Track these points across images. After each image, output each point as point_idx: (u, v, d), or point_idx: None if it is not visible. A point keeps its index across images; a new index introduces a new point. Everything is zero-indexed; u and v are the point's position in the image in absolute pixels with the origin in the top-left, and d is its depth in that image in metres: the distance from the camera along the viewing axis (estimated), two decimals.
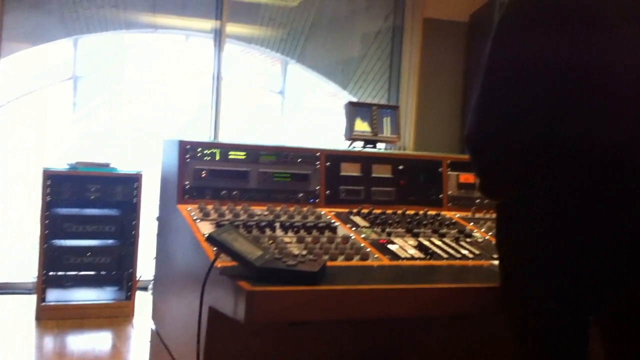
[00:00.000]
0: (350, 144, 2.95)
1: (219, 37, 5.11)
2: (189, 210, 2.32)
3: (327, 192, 2.59)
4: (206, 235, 1.86)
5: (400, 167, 2.73)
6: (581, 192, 1.64)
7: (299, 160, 2.57)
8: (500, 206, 1.83)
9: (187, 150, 2.42)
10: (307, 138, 6.14)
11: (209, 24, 5.23)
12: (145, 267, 4.43)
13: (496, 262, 1.89)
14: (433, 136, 5.10)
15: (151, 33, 5.70)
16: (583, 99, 1.63)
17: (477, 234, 2.49)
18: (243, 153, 2.49)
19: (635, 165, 1.62)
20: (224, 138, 4.97)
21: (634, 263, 1.69)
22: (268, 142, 2.59)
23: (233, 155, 2.48)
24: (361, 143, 2.95)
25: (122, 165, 4.34)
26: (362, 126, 2.94)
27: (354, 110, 2.93)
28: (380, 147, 3.29)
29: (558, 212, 1.66)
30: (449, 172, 2.81)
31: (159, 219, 2.79)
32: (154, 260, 2.86)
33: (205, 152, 2.44)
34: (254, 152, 2.51)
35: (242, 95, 6.28)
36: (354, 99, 5.89)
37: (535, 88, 1.65)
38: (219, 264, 1.86)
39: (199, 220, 2.24)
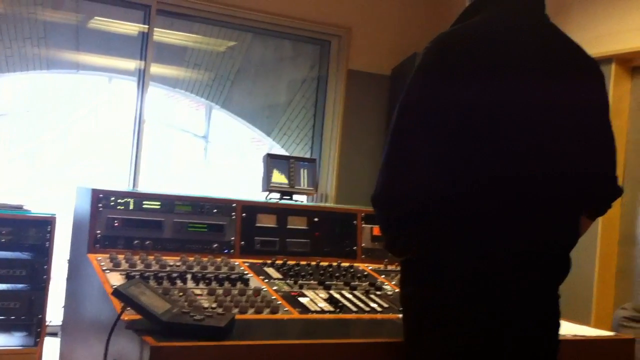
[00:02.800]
0: (267, 196, 2.98)
1: (142, 78, 5.08)
2: (99, 260, 2.29)
3: (242, 243, 2.61)
4: (113, 288, 1.84)
5: (316, 219, 2.77)
6: (481, 244, 1.71)
7: (214, 211, 2.58)
8: (405, 262, 1.88)
9: (100, 199, 2.40)
10: (231, 184, 6.13)
11: (133, 65, 5.21)
12: (57, 312, 4.29)
13: (402, 316, 1.94)
14: (355, 187, 5.18)
15: (73, 74, 5.63)
16: (485, 143, 1.71)
17: (388, 287, 2.55)
18: (158, 203, 2.49)
19: (540, 216, 1.72)
20: (144, 183, 4.90)
21: (538, 316, 1.79)
22: (190, 188, 2.60)
23: (147, 204, 2.47)
24: (278, 195, 2.99)
25: (37, 207, 4.23)
26: (279, 178, 2.99)
27: (272, 162, 2.98)
28: (302, 199, 3.32)
29: (460, 267, 1.73)
30: (364, 225, 2.87)
31: (69, 262, 2.74)
32: (63, 307, 2.80)
33: (118, 201, 2.43)
34: (169, 202, 2.51)
35: (165, 139, 6.24)
36: (278, 146, 5.95)
37: (439, 132, 1.71)
38: (126, 317, 1.84)
39: (108, 271, 2.21)
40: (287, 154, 5.72)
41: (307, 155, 5.59)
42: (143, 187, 4.81)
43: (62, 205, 4.18)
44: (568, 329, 2.26)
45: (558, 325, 1.88)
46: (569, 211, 1.84)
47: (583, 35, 3.78)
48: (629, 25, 3.60)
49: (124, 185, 4.78)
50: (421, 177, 1.75)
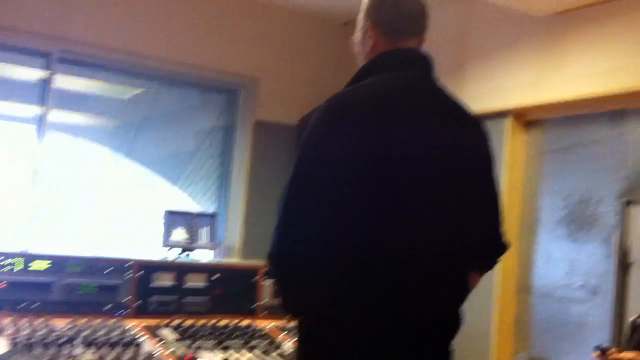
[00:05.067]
0: (168, 251, 2.91)
1: (41, 126, 4.89)
2: None
3: (138, 303, 2.52)
4: None
5: (215, 277, 2.72)
6: (374, 305, 1.71)
7: (108, 270, 2.49)
8: (302, 322, 1.86)
9: None
10: (134, 237, 5.95)
11: (32, 111, 5.02)
12: None
13: None
14: (262, 239, 5.07)
15: None
16: (376, 202, 1.71)
17: (287, 345, 2.51)
18: (47, 263, 2.38)
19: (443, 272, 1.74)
20: (39, 240, 4.67)
21: None
22: (80, 247, 2.50)
23: (35, 265, 2.36)
24: (179, 250, 2.92)
25: None
26: (179, 234, 2.93)
27: (172, 218, 2.92)
28: (206, 254, 3.24)
29: (351, 329, 1.72)
30: (264, 281, 2.84)
31: None
32: None
33: (4, 262, 2.31)
34: (59, 262, 2.40)
35: (65, 191, 6.03)
36: (185, 194, 5.84)
37: (333, 188, 1.71)
38: None
39: None
40: (193, 202, 5.63)
41: (214, 205, 5.52)
42: (37, 246, 4.58)
43: None
44: None
45: None
46: (456, 269, 1.86)
47: (480, 91, 3.93)
48: (523, 82, 3.76)
49: (14, 244, 4.54)
50: (315, 235, 1.74)
